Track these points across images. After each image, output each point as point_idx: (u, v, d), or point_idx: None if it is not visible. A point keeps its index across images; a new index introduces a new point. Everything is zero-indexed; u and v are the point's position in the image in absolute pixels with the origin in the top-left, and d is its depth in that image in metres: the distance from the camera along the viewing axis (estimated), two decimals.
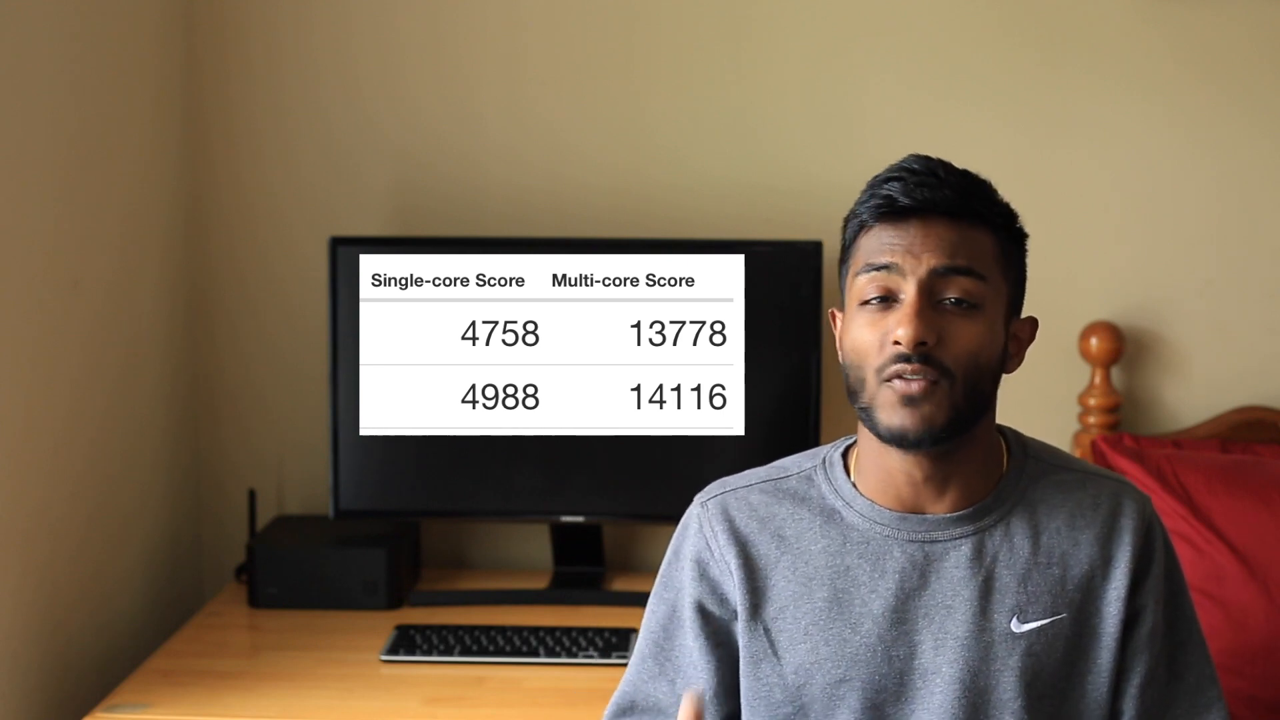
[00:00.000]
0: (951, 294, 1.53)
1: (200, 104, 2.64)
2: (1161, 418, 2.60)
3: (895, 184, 1.54)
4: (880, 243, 1.55)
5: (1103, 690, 1.60)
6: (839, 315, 1.63)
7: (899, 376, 1.51)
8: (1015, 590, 1.58)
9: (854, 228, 1.59)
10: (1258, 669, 2.20)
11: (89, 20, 2.28)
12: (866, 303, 1.55)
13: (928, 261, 1.52)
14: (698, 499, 1.69)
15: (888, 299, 1.54)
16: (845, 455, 1.66)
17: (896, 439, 1.54)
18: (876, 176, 1.58)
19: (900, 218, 1.54)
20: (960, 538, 1.59)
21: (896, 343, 1.51)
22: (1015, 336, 1.60)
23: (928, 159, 1.57)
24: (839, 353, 1.61)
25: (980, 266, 1.54)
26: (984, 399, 1.56)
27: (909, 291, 1.52)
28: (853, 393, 1.57)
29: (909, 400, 1.51)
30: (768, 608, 1.61)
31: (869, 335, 1.54)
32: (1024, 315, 1.63)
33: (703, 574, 1.64)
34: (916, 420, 1.52)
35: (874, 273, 1.54)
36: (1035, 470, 1.63)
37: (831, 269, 2.38)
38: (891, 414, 1.52)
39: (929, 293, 1.52)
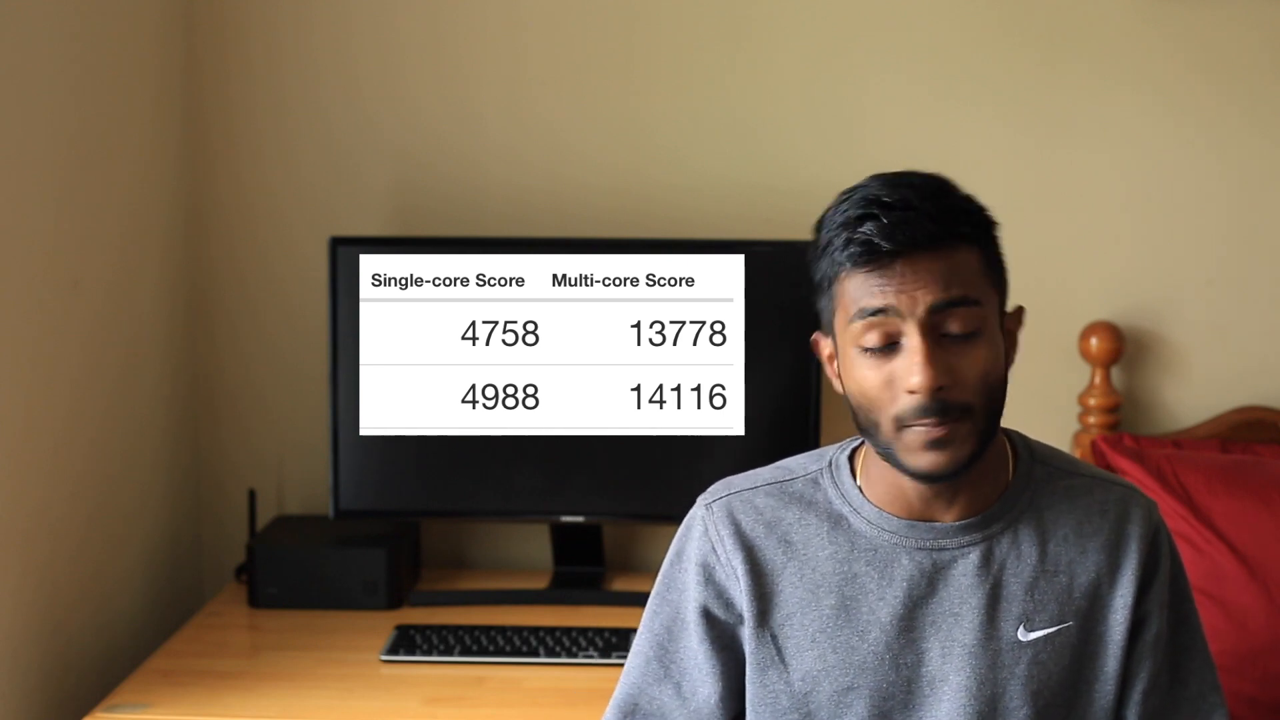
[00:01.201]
0: (953, 328, 1.49)
1: (200, 104, 2.64)
2: (1161, 418, 2.60)
3: (871, 225, 1.47)
4: (869, 286, 1.49)
5: (1109, 698, 1.59)
6: (823, 341, 1.59)
7: (918, 423, 1.49)
8: (1022, 598, 1.57)
9: (830, 270, 1.52)
10: (1258, 669, 2.20)
11: (89, 20, 2.27)
12: (867, 349, 1.50)
13: (923, 299, 1.47)
14: (701, 500, 1.67)
15: (888, 342, 1.49)
16: (851, 458, 1.64)
17: (924, 478, 1.53)
18: (844, 211, 1.50)
19: (884, 260, 1.48)
20: (968, 546, 1.58)
21: (911, 391, 1.47)
22: (1009, 332, 1.57)
23: (895, 184, 1.50)
24: (837, 384, 1.57)
25: (974, 291, 1.49)
26: (1000, 411, 1.54)
27: (912, 335, 1.48)
28: (866, 432, 1.54)
29: (935, 444, 1.49)
30: (775, 614, 1.60)
31: (875, 379, 1.50)
32: (1011, 308, 1.58)
33: (708, 578, 1.63)
34: (944, 461, 1.50)
35: (870, 318, 1.49)
36: (1042, 476, 1.62)
37: None
38: (917, 457, 1.50)
39: (931, 331, 1.48)
